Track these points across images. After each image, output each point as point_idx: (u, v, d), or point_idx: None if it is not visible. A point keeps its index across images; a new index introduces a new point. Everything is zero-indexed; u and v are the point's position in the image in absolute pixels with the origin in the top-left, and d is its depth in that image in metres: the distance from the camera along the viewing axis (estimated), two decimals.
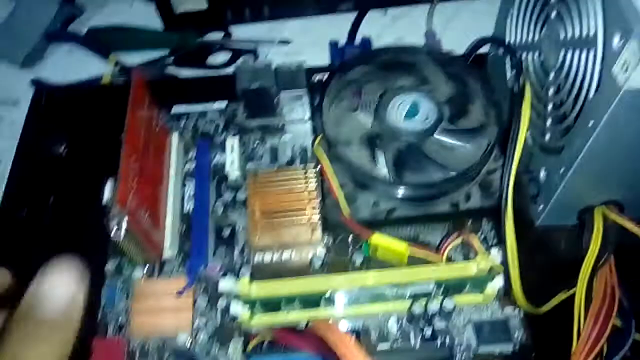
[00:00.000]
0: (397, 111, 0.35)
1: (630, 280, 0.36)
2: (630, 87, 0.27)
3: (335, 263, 0.39)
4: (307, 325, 0.32)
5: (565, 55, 0.34)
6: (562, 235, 0.40)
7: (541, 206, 0.40)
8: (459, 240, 0.35)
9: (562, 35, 0.35)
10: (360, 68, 0.39)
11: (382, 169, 0.34)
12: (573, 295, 0.36)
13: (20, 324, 0.23)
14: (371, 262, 0.39)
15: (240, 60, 0.52)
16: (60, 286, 0.24)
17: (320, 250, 0.40)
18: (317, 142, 0.36)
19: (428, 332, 0.36)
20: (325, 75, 0.42)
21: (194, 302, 0.38)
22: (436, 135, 0.35)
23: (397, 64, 0.38)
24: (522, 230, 0.36)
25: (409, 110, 0.35)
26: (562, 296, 0.36)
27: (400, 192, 0.33)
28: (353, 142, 0.36)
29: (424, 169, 0.34)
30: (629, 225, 0.37)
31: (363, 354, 0.27)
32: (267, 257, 0.40)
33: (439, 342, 0.36)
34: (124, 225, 0.33)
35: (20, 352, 0.22)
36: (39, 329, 0.23)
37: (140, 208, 0.36)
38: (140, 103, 0.40)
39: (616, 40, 0.28)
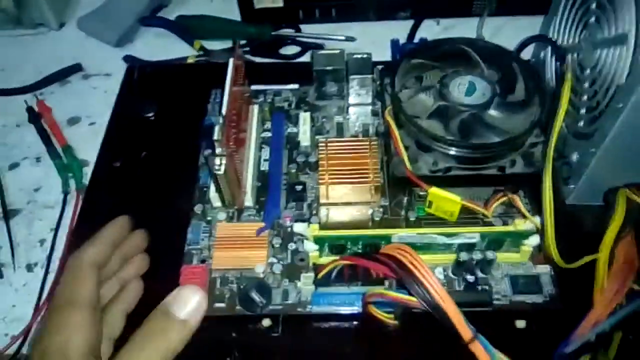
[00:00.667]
0: (459, 89, 0.42)
1: None
2: None
3: (392, 220, 0.45)
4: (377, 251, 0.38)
5: (601, 53, 0.41)
6: (589, 213, 0.46)
7: (572, 186, 0.46)
8: (504, 199, 0.41)
9: (599, 36, 0.41)
10: (423, 55, 0.46)
11: (444, 134, 0.41)
12: (595, 260, 0.42)
13: (158, 315, 0.32)
14: (423, 222, 0.45)
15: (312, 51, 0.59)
16: (192, 297, 0.33)
17: (379, 209, 0.46)
18: (387, 111, 0.43)
19: (471, 279, 0.42)
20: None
21: (269, 242, 0.45)
22: (492, 109, 0.42)
23: (454, 53, 0.45)
24: (554, 207, 0.42)
25: (468, 89, 0.42)
26: (587, 259, 0.42)
27: (457, 152, 0.40)
28: (418, 113, 0.43)
29: (482, 135, 0.40)
30: None
31: (434, 275, 0.33)
32: (332, 212, 0.46)
33: (479, 288, 0.42)
34: (225, 162, 0.40)
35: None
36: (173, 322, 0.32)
37: (235, 154, 0.43)
38: (240, 75, 0.47)
39: None
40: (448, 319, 0.33)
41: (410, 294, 0.34)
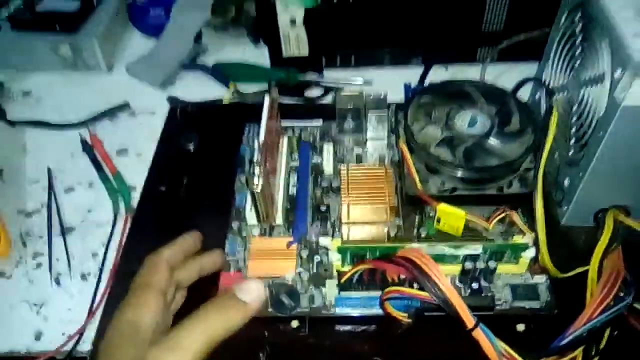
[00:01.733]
0: (462, 122, 0.49)
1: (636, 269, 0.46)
2: (626, 104, 0.41)
3: (405, 237, 0.51)
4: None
5: (585, 91, 0.48)
6: (581, 233, 0.52)
7: (565, 208, 0.52)
8: (503, 215, 0.47)
9: (583, 77, 0.48)
10: (431, 94, 0.53)
11: (450, 159, 0.48)
12: (586, 272, 0.47)
13: (224, 295, 0.38)
14: (432, 239, 0.51)
15: (334, 93, 0.67)
16: (256, 288, 0.39)
17: (394, 228, 0.52)
18: (401, 140, 0.50)
19: (475, 286, 0.47)
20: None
21: (298, 254, 0.51)
22: (491, 137, 0.48)
23: (458, 92, 0.53)
24: (549, 228, 0.48)
25: (470, 121, 0.49)
26: (579, 270, 0.47)
27: (462, 174, 0.46)
28: (428, 142, 0.49)
29: (483, 160, 0.47)
30: (634, 225, 0.48)
31: (444, 275, 0.39)
32: (353, 230, 0.52)
33: (483, 294, 0.47)
34: (262, 182, 0.47)
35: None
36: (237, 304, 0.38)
37: (269, 176, 0.49)
38: (274, 110, 0.54)
39: (617, 74, 0.42)
40: (454, 309, 0.39)
41: (422, 290, 0.40)
